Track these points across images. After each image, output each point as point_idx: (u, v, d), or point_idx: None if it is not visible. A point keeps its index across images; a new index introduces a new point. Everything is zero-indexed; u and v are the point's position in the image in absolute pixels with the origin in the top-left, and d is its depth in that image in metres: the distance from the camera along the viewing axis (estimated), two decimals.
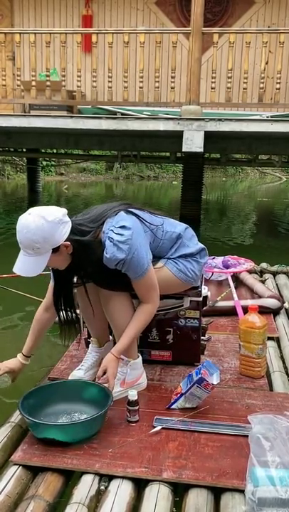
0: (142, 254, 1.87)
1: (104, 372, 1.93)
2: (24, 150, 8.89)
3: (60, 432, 1.71)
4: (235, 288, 3.26)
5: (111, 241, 1.83)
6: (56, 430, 1.71)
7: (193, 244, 2.16)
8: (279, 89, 5.79)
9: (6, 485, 1.54)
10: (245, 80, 5.75)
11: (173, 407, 1.95)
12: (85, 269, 1.95)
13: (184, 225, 2.18)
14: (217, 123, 5.59)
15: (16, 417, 1.89)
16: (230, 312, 2.98)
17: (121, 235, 1.83)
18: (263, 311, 2.75)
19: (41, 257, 1.79)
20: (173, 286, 2.12)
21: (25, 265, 1.81)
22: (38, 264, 1.80)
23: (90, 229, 1.87)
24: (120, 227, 1.85)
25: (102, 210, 1.96)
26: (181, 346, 2.32)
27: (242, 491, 1.49)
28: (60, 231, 1.78)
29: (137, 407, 1.84)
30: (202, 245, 2.20)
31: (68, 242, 1.81)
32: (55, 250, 1.80)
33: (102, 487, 1.56)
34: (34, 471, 1.63)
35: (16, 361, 2.11)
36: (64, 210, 1.86)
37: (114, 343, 2.24)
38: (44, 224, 1.74)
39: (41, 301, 3.22)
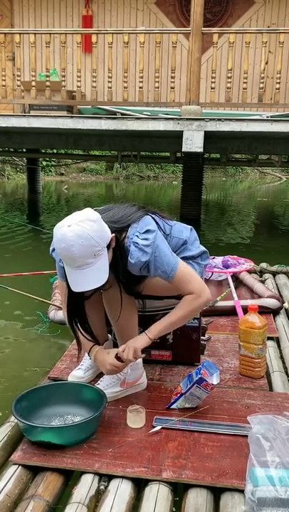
0: (165, 252, 1.86)
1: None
2: (24, 150, 8.90)
3: (53, 435, 1.69)
4: (235, 288, 3.26)
5: (136, 246, 1.81)
6: (50, 433, 1.70)
7: (195, 248, 2.16)
8: (279, 89, 5.80)
9: (6, 484, 1.54)
10: (245, 80, 5.75)
11: (173, 407, 1.94)
12: (118, 267, 1.86)
13: (189, 228, 2.18)
14: (217, 123, 5.60)
15: None
16: (230, 312, 2.98)
17: (146, 239, 1.81)
18: (262, 311, 2.76)
19: (102, 258, 1.71)
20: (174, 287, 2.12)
21: (92, 276, 1.69)
22: (103, 266, 1.72)
23: (112, 229, 1.80)
24: (145, 232, 1.83)
25: (123, 212, 1.89)
26: (181, 346, 2.32)
27: (242, 491, 1.49)
28: (104, 225, 1.73)
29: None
30: (204, 248, 2.21)
31: (113, 234, 1.77)
32: (108, 247, 1.75)
33: (102, 487, 1.56)
34: (34, 471, 1.63)
35: (101, 351, 2.01)
36: (88, 209, 1.80)
37: (114, 343, 2.25)
38: (93, 224, 1.67)
39: (41, 301, 3.21)
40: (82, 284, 1.70)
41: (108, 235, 1.74)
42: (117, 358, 1.92)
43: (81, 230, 1.64)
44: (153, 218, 1.94)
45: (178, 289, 1.96)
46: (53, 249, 1.96)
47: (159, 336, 1.96)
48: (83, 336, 1.98)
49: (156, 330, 1.93)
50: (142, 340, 1.92)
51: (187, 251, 2.13)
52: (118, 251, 1.82)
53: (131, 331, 2.07)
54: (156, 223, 1.94)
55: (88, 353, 2.06)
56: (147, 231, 1.84)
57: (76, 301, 1.88)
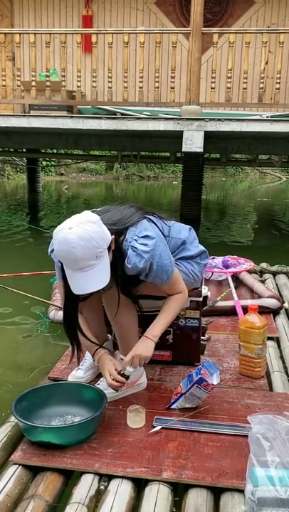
0: (165, 261, 1.88)
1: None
2: (24, 150, 8.90)
3: (53, 435, 1.69)
4: (235, 288, 3.26)
5: (134, 250, 1.81)
6: (50, 433, 1.70)
7: (194, 247, 2.16)
8: (279, 89, 5.80)
9: (6, 484, 1.54)
10: (245, 80, 5.75)
11: (173, 407, 1.94)
12: (117, 268, 1.86)
13: (188, 228, 2.18)
14: (217, 123, 5.60)
15: None
16: (230, 312, 2.98)
17: (145, 244, 1.82)
18: (262, 311, 2.76)
19: (103, 260, 1.70)
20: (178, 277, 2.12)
21: (94, 278, 1.68)
22: (105, 268, 1.71)
23: (111, 231, 1.79)
24: (143, 236, 1.83)
25: (122, 215, 1.89)
26: (181, 346, 2.32)
27: (242, 491, 1.49)
28: (104, 226, 1.73)
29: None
30: (203, 248, 2.21)
31: (113, 236, 1.77)
32: (108, 248, 1.74)
33: (102, 487, 1.56)
34: (34, 471, 1.63)
35: (106, 358, 1.98)
36: (87, 211, 1.79)
37: (114, 343, 2.25)
38: (94, 226, 1.66)
39: (42, 301, 3.21)
40: (85, 287, 1.69)
41: (109, 236, 1.73)
42: (121, 374, 1.90)
43: (83, 231, 1.63)
44: (151, 220, 1.94)
45: (167, 290, 1.99)
46: (52, 250, 1.95)
47: (159, 336, 1.97)
48: (86, 338, 1.97)
49: (158, 332, 1.95)
50: (150, 348, 1.92)
51: (186, 251, 2.13)
52: (117, 253, 1.82)
53: (131, 332, 2.07)
54: (155, 224, 1.94)
55: (92, 356, 2.04)
56: (146, 236, 1.83)
57: (72, 303, 1.87)
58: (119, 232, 1.83)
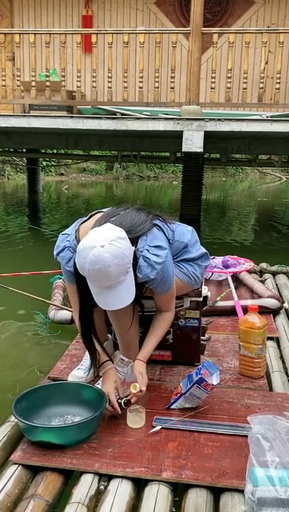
0: (170, 272, 1.90)
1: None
2: (24, 150, 8.90)
3: (53, 435, 1.69)
4: (235, 288, 3.26)
5: (146, 261, 1.81)
6: (50, 433, 1.70)
7: (196, 250, 2.16)
8: (279, 89, 5.79)
9: (6, 484, 1.54)
10: (245, 80, 5.75)
11: (173, 407, 1.95)
12: None
13: (190, 230, 2.18)
14: (217, 123, 5.60)
15: None
16: (230, 312, 2.98)
17: (157, 255, 1.82)
18: (262, 311, 2.76)
19: (130, 274, 1.71)
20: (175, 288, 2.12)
21: (124, 292, 1.69)
22: (132, 281, 1.72)
23: None
24: (155, 246, 1.84)
25: (132, 221, 1.85)
26: (180, 346, 2.32)
27: (241, 491, 1.49)
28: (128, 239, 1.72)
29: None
30: (204, 250, 2.21)
31: (134, 247, 1.76)
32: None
33: (102, 487, 1.56)
34: (34, 471, 1.63)
35: (111, 376, 1.95)
36: (109, 224, 1.76)
37: (114, 342, 2.25)
38: (124, 242, 1.66)
39: (42, 301, 3.22)
40: (116, 303, 1.69)
41: (132, 249, 1.73)
42: (120, 405, 1.87)
43: (116, 249, 1.61)
44: (160, 227, 1.94)
45: (158, 303, 2.01)
46: (58, 253, 1.95)
47: (148, 356, 2.01)
48: (100, 346, 1.97)
49: (147, 353, 1.99)
50: (142, 368, 1.95)
51: (188, 253, 2.13)
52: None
53: (131, 332, 2.07)
54: (163, 232, 1.94)
55: (98, 365, 1.99)
56: (158, 247, 1.84)
57: (88, 311, 1.86)
58: (131, 241, 1.80)
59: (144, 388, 1.89)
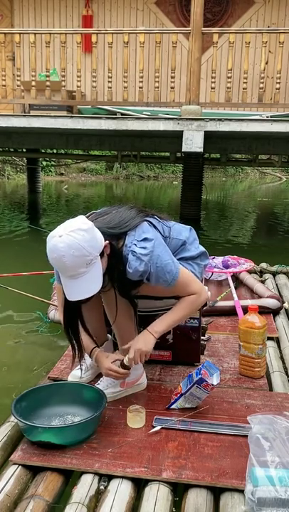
0: (165, 261, 1.85)
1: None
2: (24, 150, 8.90)
3: (53, 435, 1.69)
4: (235, 288, 3.26)
5: (134, 255, 1.79)
6: (50, 433, 1.70)
7: (195, 248, 2.15)
8: (279, 89, 5.80)
9: (6, 484, 1.54)
10: (245, 80, 5.75)
11: (173, 407, 1.94)
12: (113, 273, 1.85)
13: (188, 228, 2.17)
14: (217, 123, 5.60)
15: None
16: (230, 312, 2.98)
17: (143, 248, 1.80)
18: (262, 311, 2.76)
19: (94, 267, 1.69)
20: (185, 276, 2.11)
21: (86, 285, 1.69)
22: (96, 275, 1.70)
23: (109, 234, 1.79)
24: (142, 240, 1.82)
25: (121, 218, 1.87)
26: (180, 346, 2.32)
27: (241, 491, 1.49)
28: (97, 233, 1.72)
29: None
30: (203, 248, 2.20)
31: (107, 241, 1.76)
32: (101, 255, 1.74)
33: (102, 487, 1.56)
34: (34, 471, 1.63)
35: (102, 356, 2.01)
36: (81, 216, 1.77)
37: (114, 343, 2.25)
38: (84, 234, 1.64)
39: (42, 301, 3.22)
40: (75, 294, 1.70)
41: (101, 243, 1.72)
42: (123, 365, 1.91)
43: (72, 240, 1.62)
44: (151, 223, 1.92)
45: (178, 293, 1.96)
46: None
47: (161, 333, 1.95)
48: (88, 334, 1.97)
49: (160, 329, 1.92)
50: (150, 342, 1.90)
51: (186, 251, 2.12)
52: (114, 258, 1.81)
53: (129, 332, 2.06)
54: (155, 227, 1.93)
55: (89, 355, 2.05)
56: (145, 239, 1.82)
57: (72, 307, 1.86)
58: (117, 237, 1.82)
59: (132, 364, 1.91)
